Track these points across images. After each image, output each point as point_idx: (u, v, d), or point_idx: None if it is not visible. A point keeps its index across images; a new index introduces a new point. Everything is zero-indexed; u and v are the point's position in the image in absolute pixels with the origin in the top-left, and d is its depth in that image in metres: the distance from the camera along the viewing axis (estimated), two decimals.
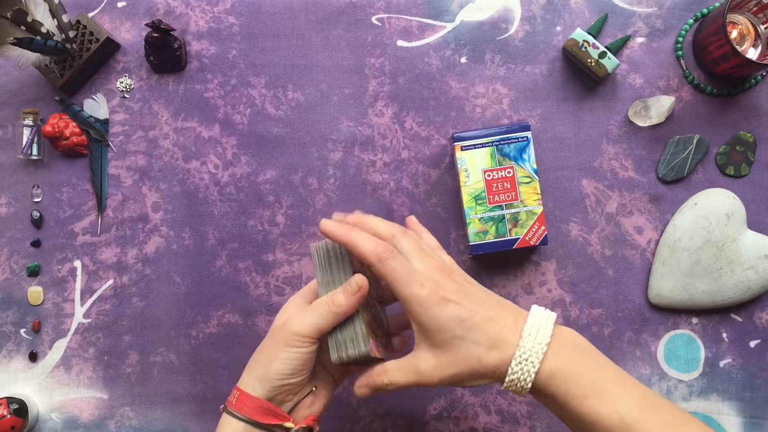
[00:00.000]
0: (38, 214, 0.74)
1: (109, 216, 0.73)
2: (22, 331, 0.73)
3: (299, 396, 0.55)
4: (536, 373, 0.46)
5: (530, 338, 0.47)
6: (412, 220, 0.61)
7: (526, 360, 0.46)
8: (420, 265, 0.51)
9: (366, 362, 0.54)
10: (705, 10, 0.71)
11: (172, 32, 0.71)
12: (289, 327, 0.53)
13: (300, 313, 0.54)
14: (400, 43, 0.73)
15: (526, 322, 0.48)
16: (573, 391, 0.46)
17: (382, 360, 0.54)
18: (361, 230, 0.52)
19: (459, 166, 0.67)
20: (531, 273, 0.71)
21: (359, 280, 0.53)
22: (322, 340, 0.54)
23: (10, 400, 0.69)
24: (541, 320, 0.48)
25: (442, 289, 0.49)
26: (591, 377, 0.46)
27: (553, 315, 0.49)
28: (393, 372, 0.51)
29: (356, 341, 0.53)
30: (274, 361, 0.53)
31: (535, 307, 0.50)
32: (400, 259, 0.50)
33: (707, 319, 0.70)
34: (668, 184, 0.71)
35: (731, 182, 0.71)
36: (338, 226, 0.52)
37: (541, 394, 0.47)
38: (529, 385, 0.46)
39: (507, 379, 0.47)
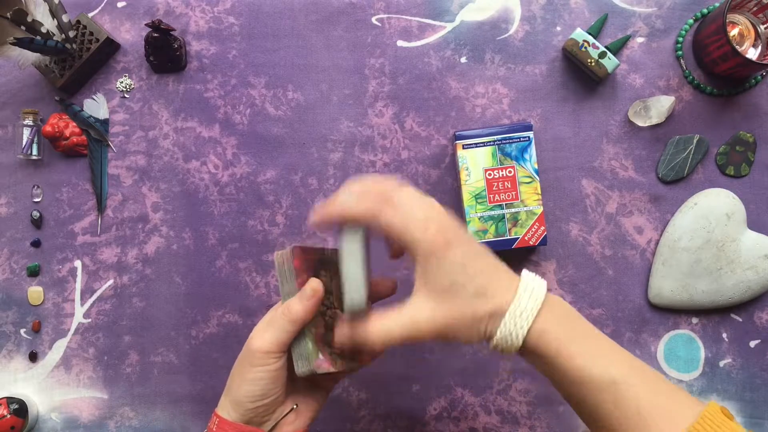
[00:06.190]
0: (38, 214, 0.74)
1: (109, 216, 0.73)
2: (22, 331, 0.73)
3: (279, 413, 0.53)
4: (528, 331, 0.45)
5: (525, 295, 0.46)
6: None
7: (520, 316, 0.45)
8: (420, 209, 0.47)
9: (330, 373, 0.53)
10: (705, 10, 0.71)
11: (172, 32, 0.71)
12: (250, 345, 0.51)
13: (260, 328, 0.52)
14: (400, 43, 0.73)
15: (521, 282, 0.47)
16: (563, 352, 0.45)
17: (341, 373, 0.53)
18: (347, 194, 0.48)
19: (460, 164, 0.67)
20: None
21: (314, 285, 0.51)
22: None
23: (10, 400, 0.69)
24: (534, 283, 0.47)
25: (444, 231, 0.46)
26: (581, 340, 0.46)
27: (545, 282, 0.48)
28: (388, 324, 0.47)
29: (304, 358, 0.51)
30: (243, 384, 0.51)
31: (526, 271, 0.49)
32: (393, 209, 0.47)
33: (707, 319, 0.70)
34: (668, 184, 0.71)
35: (731, 182, 0.71)
36: (321, 207, 0.49)
37: (530, 353, 0.47)
38: (521, 341, 0.45)
39: (498, 334, 0.46)
